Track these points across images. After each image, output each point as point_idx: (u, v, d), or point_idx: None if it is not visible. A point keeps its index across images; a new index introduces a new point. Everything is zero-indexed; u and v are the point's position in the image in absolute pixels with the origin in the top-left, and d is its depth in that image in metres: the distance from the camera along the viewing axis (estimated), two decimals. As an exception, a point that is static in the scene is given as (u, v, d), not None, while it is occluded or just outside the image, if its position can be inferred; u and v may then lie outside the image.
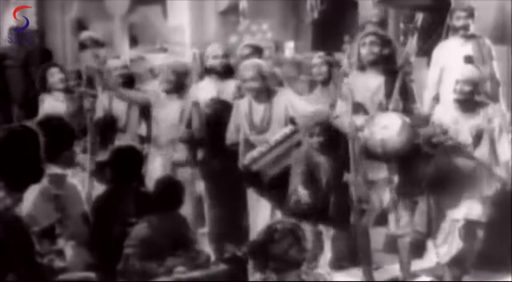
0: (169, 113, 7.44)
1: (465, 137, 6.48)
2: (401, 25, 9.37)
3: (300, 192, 6.30)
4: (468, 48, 7.53)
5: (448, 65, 7.54)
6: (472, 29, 7.57)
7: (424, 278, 6.79)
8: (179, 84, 7.50)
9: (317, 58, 7.55)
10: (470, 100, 6.51)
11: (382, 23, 8.47)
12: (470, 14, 7.54)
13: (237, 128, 6.96)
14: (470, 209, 6.47)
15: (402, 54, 6.80)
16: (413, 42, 6.98)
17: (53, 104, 7.94)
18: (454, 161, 6.46)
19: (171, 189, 6.11)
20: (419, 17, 6.71)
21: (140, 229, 5.87)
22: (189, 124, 7.29)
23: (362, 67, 6.69)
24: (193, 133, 7.24)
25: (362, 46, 6.63)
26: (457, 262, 6.58)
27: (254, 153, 6.72)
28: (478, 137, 6.49)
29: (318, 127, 6.37)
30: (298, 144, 6.60)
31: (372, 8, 9.01)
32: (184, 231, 6.02)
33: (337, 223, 6.41)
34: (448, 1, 8.03)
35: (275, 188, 6.65)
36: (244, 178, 6.82)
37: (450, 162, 6.47)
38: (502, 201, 6.60)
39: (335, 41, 9.59)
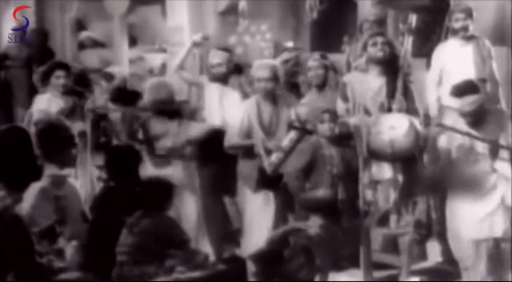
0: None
1: (481, 147, 6.21)
2: (400, 26, 9.37)
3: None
4: (469, 49, 7.50)
5: (448, 66, 7.53)
6: (471, 29, 7.53)
7: (413, 278, 6.72)
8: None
9: (312, 61, 7.50)
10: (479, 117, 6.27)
11: (380, 22, 8.47)
12: (469, 15, 7.47)
13: (244, 131, 6.88)
14: (492, 226, 6.17)
15: (402, 55, 6.79)
16: (408, 42, 6.96)
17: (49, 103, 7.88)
18: (473, 170, 6.31)
19: (160, 190, 5.93)
20: (413, 18, 6.71)
21: (126, 235, 5.75)
22: None
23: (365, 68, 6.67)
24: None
25: (373, 46, 6.60)
26: None
27: (274, 160, 6.65)
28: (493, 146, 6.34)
29: (328, 113, 6.35)
30: None
31: (371, 8, 9.02)
32: (174, 233, 5.84)
33: (348, 217, 6.33)
34: (447, 1, 8.03)
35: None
36: (267, 182, 6.75)
37: (468, 172, 6.33)
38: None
39: (334, 41, 9.59)
